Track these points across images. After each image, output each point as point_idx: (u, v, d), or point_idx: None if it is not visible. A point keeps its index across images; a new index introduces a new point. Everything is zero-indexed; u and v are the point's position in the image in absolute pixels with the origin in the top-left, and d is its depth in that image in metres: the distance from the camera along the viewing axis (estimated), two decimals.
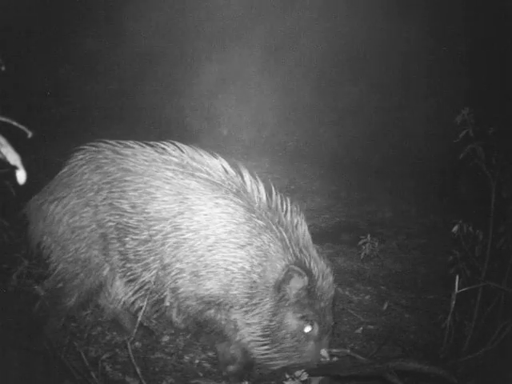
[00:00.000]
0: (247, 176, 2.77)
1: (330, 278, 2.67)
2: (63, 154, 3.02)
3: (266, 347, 2.62)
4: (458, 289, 2.74)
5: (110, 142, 2.90)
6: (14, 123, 1.12)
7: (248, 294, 2.58)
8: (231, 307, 2.62)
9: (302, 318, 2.58)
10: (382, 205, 5.89)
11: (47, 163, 5.13)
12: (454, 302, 2.75)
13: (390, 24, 7.70)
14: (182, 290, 2.63)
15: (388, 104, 7.82)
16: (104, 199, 2.73)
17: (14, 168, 1.11)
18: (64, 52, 7.87)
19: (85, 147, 2.91)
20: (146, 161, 2.74)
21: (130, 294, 2.80)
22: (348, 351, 2.76)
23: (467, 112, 2.89)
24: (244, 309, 2.60)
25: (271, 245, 2.58)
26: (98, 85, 8.14)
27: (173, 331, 3.29)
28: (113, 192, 2.72)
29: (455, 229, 2.94)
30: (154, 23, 8.29)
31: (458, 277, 2.76)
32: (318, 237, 4.90)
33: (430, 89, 7.44)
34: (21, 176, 1.11)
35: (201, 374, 2.91)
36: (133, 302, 2.85)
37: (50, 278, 2.88)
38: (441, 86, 7.16)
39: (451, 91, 6.60)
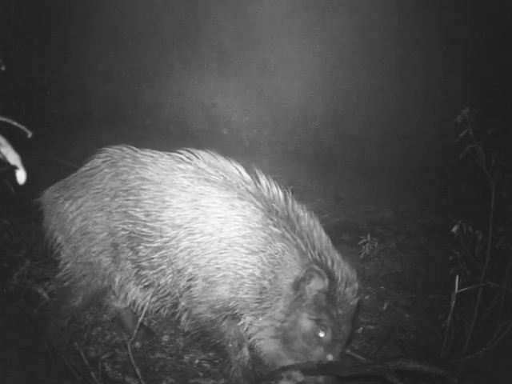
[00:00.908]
0: (264, 181, 2.76)
1: (355, 285, 2.60)
2: (63, 154, 3.02)
3: (276, 346, 2.60)
4: (458, 289, 2.74)
5: (133, 148, 2.90)
6: (14, 123, 1.12)
7: (258, 299, 2.56)
8: (242, 314, 2.61)
9: (317, 321, 2.52)
10: (382, 205, 5.89)
11: (47, 163, 5.14)
12: (454, 302, 2.75)
13: (390, 24, 7.71)
14: (194, 294, 2.63)
15: (388, 104, 7.82)
16: (119, 206, 2.73)
17: (14, 168, 1.11)
18: (64, 52, 7.87)
19: (108, 149, 2.91)
20: (164, 170, 2.75)
21: (148, 298, 2.80)
22: (348, 351, 2.76)
23: (467, 112, 2.89)
24: (254, 312, 2.58)
25: (286, 253, 2.56)
26: (98, 85, 8.14)
27: (173, 331, 3.29)
28: (128, 200, 2.72)
29: (455, 229, 2.94)
30: (154, 23, 8.29)
31: (457, 277, 2.76)
32: None
33: (430, 89, 7.44)
34: (21, 176, 1.11)
35: (201, 374, 2.91)
36: (152, 306, 2.85)
37: (57, 276, 2.88)
38: (441, 85, 7.16)
39: (451, 91, 6.60)
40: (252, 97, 8.55)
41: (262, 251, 2.54)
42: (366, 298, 3.86)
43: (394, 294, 3.97)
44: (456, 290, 2.74)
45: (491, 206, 2.95)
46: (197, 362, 3.03)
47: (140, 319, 2.54)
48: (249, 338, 2.67)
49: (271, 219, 2.59)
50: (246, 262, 2.54)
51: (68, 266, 2.83)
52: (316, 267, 2.48)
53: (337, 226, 5.24)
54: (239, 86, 8.48)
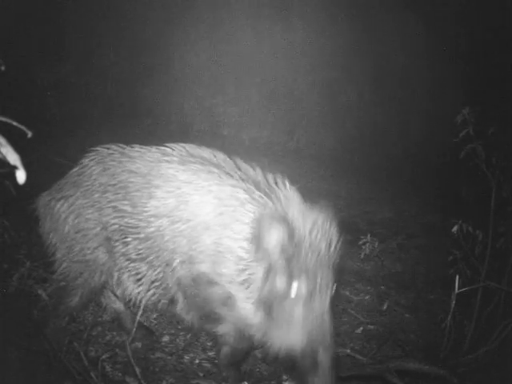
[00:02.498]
0: (244, 165, 2.79)
1: (326, 227, 2.44)
2: (63, 154, 3.03)
3: (260, 319, 2.45)
4: (458, 289, 2.74)
5: (122, 145, 2.92)
6: (14, 123, 1.12)
7: (238, 270, 2.49)
8: (230, 283, 2.53)
9: (289, 274, 2.33)
10: (382, 205, 5.89)
11: (47, 163, 5.14)
12: (454, 302, 2.75)
13: (390, 24, 7.71)
14: (182, 281, 2.62)
15: (388, 104, 7.82)
16: (109, 201, 2.74)
17: (14, 168, 1.11)
18: (64, 52, 7.87)
19: (97, 148, 2.94)
20: (150, 162, 2.76)
21: (143, 292, 2.79)
22: (348, 351, 2.76)
23: (467, 111, 2.89)
24: (243, 286, 2.49)
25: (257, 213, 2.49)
26: (98, 85, 8.14)
27: (173, 331, 3.29)
28: (117, 194, 2.73)
29: (455, 229, 2.94)
30: (154, 23, 8.29)
31: (458, 277, 2.76)
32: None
33: (430, 88, 7.44)
34: (20, 176, 1.11)
35: (201, 374, 2.91)
36: (149, 300, 2.83)
37: (54, 277, 2.89)
38: (441, 85, 7.16)
39: (451, 91, 6.60)
40: (252, 97, 8.55)
41: (233, 222, 2.49)
42: (366, 298, 3.86)
43: (393, 294, 3.97)
44: (456, 290, 2.74)
45: (491, 206, 2.95)
46: (197, 361, 3.02)
47: (138, 314, 2.53)
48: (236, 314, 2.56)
49: (247, 191, 2.56)
50: (220, 238, 2.49)
51: (64, 265, 2.84)
52: (265, 214, 2.38)
53: (337, 226, 5.24)
54: (239, 85, 8.49)
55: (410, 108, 7.65)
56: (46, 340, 2.71)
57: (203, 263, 2.54)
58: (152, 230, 2.64)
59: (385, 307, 3.57)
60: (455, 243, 2.99)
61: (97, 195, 2.77)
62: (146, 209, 2.66)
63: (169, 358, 3.03)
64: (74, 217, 2.79)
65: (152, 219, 2.64)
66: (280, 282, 2.36)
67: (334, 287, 2.44)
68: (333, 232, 2.50)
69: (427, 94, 7.50)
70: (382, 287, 4.06)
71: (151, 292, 2.76)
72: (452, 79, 6.94)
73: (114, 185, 2.75)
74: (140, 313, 2.58)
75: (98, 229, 2.77)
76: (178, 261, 2.60)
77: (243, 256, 2.47)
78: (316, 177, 6.89)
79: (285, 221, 2.35)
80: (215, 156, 2.81)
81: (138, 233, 2.68)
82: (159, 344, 3.15)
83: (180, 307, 2.73)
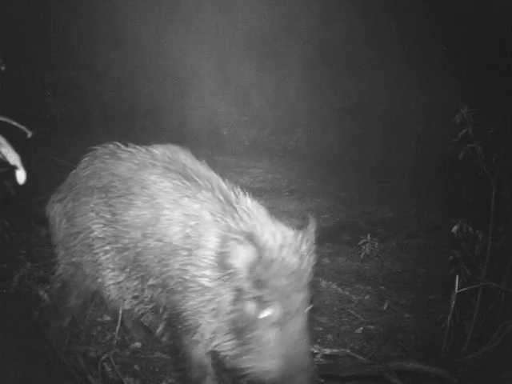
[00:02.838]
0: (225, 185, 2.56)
1: (296, 246, 2.18)
2: (63, 154, 3.02)
3: (231, 342, 2.25)
4: (458, 289, 2.74)
5: (118, 144, 2.79)
6: (14, 123, 1.12)
7: (204, 300, 2.28)
8: (198, 322, 2.33)
9: (259, 299, 2.11)
10: (382, 205, 5.89)
11: (47, 163, 5.14)
12: (453, 302, 2.76)
13: (390, 24, 7.71)
14: (161, 303, 2.47)
15: (388, 104, 7.82)
16: (93, 206, 2.64)
17: (14, 168, 1.11)
18: (64, 52, 7.87)
19: (96, 148, 2.82)
20: (136, 165, 2.60)
21: (128, 301, 2.66)
22: (348, 351, 2.76)
23: (466, 111, 2.89)
24: (211, 314, 2.28)
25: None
26: (98, 85, 8.14)
27: None
28: (101, 198, 2.62)
29: (455, 229, 2.94)
30: (154, 23, 8.29)
31: (457, 277, 2.76)
32: (318, 237, 4.91)
33: (429, 88, 7.44)
34: (20, 176, 1.11)
35: None
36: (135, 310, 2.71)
37: (52, 278, 2.88)
38: (440, 85, 7.16)
39: (451, 91, 6.60)
40: (252, 97, 8.55)
41: (197, 248, 2.28)
42: (366, 298, 3.86)
43: (394, 294, 3.97)
44: (456, 290, 2.74)
45: (491, 206, 2.95)
46: None
47: (132, 318, 2.47)
48: (209, 344, 2.36)
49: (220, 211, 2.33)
50: (186, 265, 2.30)
51: (61, 267, 2.81)
52: (230, 234, 2.16)
53: (337, 226, 5.25)
54: (239, 85, 8.49)
55: (410, 108, 7.65)
56: (45, 340, 2.71)
57: (175, 292, 2.35)
58: (127, 241, 2.50)
59: (385, 307, 3.57)
60: (455, 243, 2.99)
61: (84, 199, 2.67)
62: (123, 218, 2.51)
63: (169, 357, 3.03)
64: (66, 220, 2.74)
65: (128, 229, 2.49)
66: (250, 307, 2.15)
67: (310, 307, 2.24)
68: (306, 248, 2.24)
69: (427, 93, 7.51)
70: (382, 287, 4.06)
71: (133, 303, 2.64)
72: (451, 79, 6.93)
73: (100, 188, 2.63)
74: (118, 323, 2.53)
75: (83, 235, 2.68)
76: (151, 282, 2.45)
77: (208, 285, 2.25)
78: (316, 177, 6.90)
79: (251, 241, 2.12)
80: (192, 165, 2.61)
81: (115, 243, 2.55)
82: (159, 344, 3.14)
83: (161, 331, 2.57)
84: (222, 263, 2.18)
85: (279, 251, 2.13)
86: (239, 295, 2.17)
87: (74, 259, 2.76)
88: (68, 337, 2.77)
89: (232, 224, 2.24)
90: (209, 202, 2.38)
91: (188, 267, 2.28)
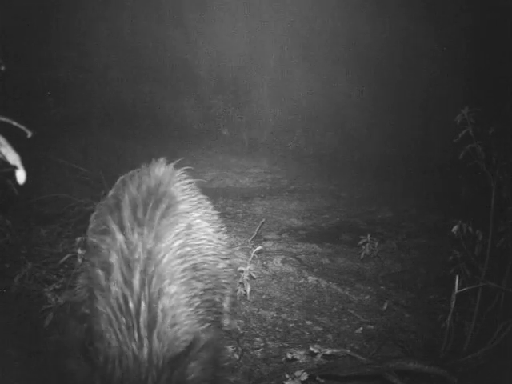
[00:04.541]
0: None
1: None
2: (63, 154, 3.02)
3: None
4: (458, 289, 2.74)
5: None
6: (14, 123, 1.12)
7: None
8: None
9: None
10: (381, 205, 5.90)
11: (47, 163, 5.13)
12: (453, 302, 2.75)
13: (390, 24, 7.71)
14: None
15: (388, 104, 7.82)
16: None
17: (14, 168, 1.11)
18: (64, 52, 7.87)
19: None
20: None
21: None
22: (348, 351, 2.76)
23: (467, 111, 2.89)
24: None
25: None
26: (98, 85, 8.14)
27: None
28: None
29: (455, 229, 2.94)
30: (154, 23, 8.29)
31: (457, 277, 2.76)
32: (318, 237, 4.92)
33: (429, 88, 7.44)
34: (20, 176, 1.11)
35: None
36: None
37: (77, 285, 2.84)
38: (441, 85, 7.17)
39: (451, 91, 6.60)
40: (252, 97, 8.55)
41: None
42: (366, 298, 3.86)
43: (394, 293, 3.97)
44: (456, 290, 2.74)
45: (491, 206, 2.95)
46: None
47: None
48: None
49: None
50: None
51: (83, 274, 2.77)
52: None
53: (337, 226, 5.25)
54: (239, 85, 8.49)
55: (409, 108, 7.65)
56: (45, 341, 2.71)
57: None
58: None
59: (385, 307, 3.57)
60: (455, 243, 2.99)
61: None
62: None
63: None
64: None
65: None
66: None
67: None
68: None
69: (427, 93, 7.51)
70: (382, 287, 4.05)
71: None
72: (452, 79, 6.93)
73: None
74: None
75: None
76: None
77: None
78: (316, 177, 6.90)
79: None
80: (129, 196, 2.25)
81: None
82: None
83: None
84: None
85: None
86: None
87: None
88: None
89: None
90: None
91: None
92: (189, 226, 2.27)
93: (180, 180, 2.52)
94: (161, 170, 2.48)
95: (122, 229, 2.04)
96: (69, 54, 7.93)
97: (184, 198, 2.42)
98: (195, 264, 2.21)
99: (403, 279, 4.23)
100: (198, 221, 2.43)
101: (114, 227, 2.06)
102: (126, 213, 2.10)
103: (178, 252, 2.09)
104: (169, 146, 7.19)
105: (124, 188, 2.30)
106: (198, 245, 2.32)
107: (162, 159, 2.57)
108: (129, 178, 2.41)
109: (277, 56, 8.53)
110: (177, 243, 2.10)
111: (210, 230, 2.53)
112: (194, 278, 2.14)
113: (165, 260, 1.99)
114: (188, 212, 2.36)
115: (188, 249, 2.18)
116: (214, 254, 2.48)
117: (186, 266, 2.10)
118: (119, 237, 2.02)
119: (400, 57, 7.79)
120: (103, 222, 2.17)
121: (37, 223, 3.92)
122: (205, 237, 2.44)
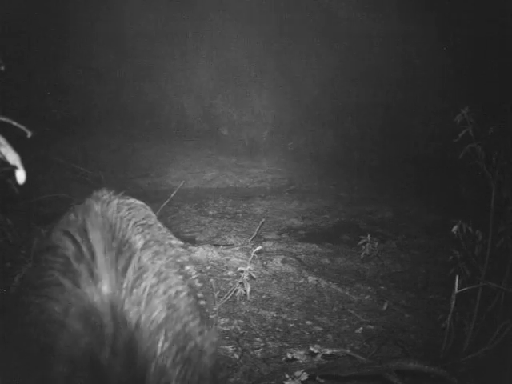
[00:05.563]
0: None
1: None
2: (63, 154, 3.01)
3: None
4: (458, 289, 2.74)
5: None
6: (14, 123, 1.12)
7: None
8: None
9: None
10: (382, 205, 5.90)
11: (47, 163, 5.14)
12: (453, 302, 2.75)
13: (391, 24, 7.71)
14: None
15: (388, 103, 7.83)
16: None
17: (14, 168, 1.10)
18: (64, 52, 7.87)
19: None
20: None
21: None
22: (348, 351, 2.76)
23: (467, 111, 2.89)
24: None
25: None
26: (98, 85, 8.14)
27: None
28: None
29: (455, 229, 2.94)
30: (153, 23, 8.29)
31: (457, 277, 2.76)
32: (318, 237, 4.92)
33: (429, 88, 7.44)
34: (20, 176, 1.11)
35: None
36: None
37: None
38: (440, 85, 7.17)
39: (451, 91, 6.60)
40: (252, 97, 8.55)
41: None
42: (366, 298, 3.86)
43: (394, 293, 3.97)
44: (456, 290, 2.74)
45: (491, 206, 2.95)
46: None
47: None
48: None
49: None
50: None
51: None
52: None
53: (337, 226, 5.26)
54: (239, 85, 8.49)
55: (409, 108, 7.65)
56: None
57: None
58: None
59: (385, 307, 3.57)
60: (455, 243, 2.99)
61: None
62: None
63: None
64: None
65: None
66: None
67: None
68: None
69: (427, 93, 7.51)
70: (382, 287, 4.06)
71: None
72: (452, 79, 6.93)
73: None
74: None
75: None
76: None
77: None
78: (316, 177, 6.90)
79: None
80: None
81: None
82: None
83: None
84: None
85: None
86: None
87: None
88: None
89: None
90: None
91: None
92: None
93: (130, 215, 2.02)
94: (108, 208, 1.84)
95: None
96: (69, 54, 7.93)
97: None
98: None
99: (403, 279, 4.23)
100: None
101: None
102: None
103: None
104: (169, 146, 7.20)
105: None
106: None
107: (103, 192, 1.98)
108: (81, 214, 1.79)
109: (277, 56, 8.53)
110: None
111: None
112: None
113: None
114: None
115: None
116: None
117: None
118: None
119: (400, 57, 7.79)
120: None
121: (37, 223, 3.92)
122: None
